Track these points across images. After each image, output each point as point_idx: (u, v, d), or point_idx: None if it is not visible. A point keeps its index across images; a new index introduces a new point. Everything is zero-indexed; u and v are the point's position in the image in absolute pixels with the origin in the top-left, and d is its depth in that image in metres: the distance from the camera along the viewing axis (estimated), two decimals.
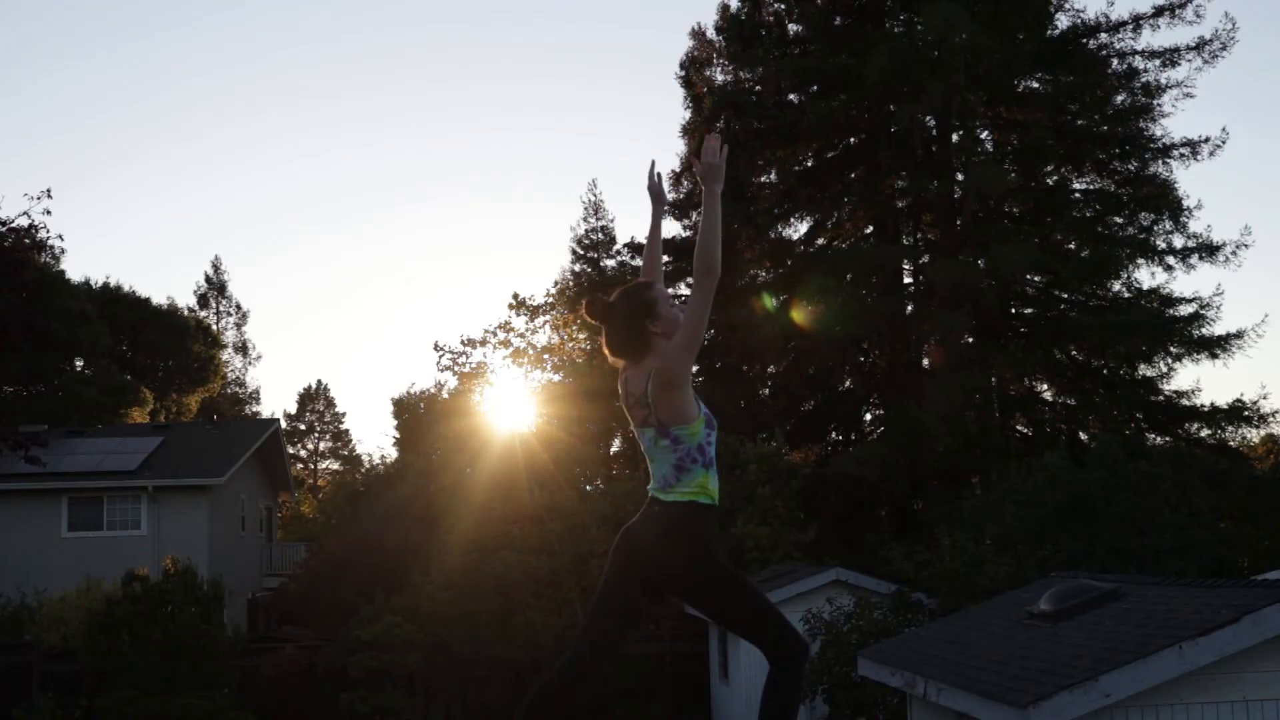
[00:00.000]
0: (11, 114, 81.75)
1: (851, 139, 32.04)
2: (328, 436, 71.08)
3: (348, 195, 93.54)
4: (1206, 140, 28.95)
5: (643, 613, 4.21)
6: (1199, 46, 28.73)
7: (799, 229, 33.78)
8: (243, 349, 64.75)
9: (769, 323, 30.05)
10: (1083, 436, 29.75)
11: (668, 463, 4.16)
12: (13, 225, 23.31)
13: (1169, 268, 28.97)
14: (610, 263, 35.33)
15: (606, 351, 4.31)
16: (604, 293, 4.41)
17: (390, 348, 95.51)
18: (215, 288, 64.25)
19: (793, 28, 32.69)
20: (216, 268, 64.80)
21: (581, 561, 24.79)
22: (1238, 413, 28.39)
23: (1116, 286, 29.98)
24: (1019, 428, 31.36)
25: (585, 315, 4.31)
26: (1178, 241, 28.89)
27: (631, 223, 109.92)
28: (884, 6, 30.81)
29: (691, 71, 35.07)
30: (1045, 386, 31.63)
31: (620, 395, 4.28)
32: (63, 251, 46.69)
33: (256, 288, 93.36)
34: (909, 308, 30.60)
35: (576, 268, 36.40)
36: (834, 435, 33.91)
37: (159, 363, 51.47)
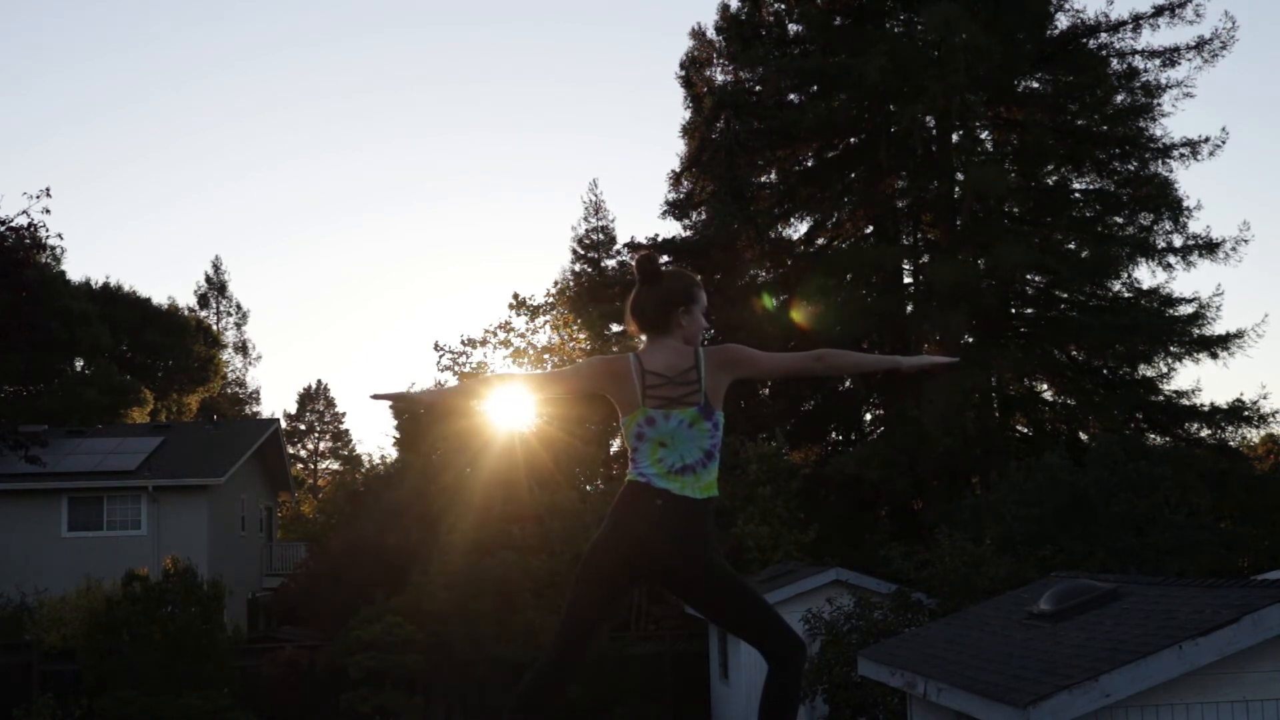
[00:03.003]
0: (11, 114, 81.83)
1: (851, 139, 32.04)
2: (328, 436, 71.02)
3: (348, 196, 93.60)
4: (1206, 140, 29.00)
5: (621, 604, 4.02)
6: (1199, 46, 28.75)
7: (799, 229, 33.85)
8: (243, 349, 64.73)
9: (769, 322, 30.04)
10: (1083, 436, 29.75)
11: (699, 447, 4.01)
12: (12, 225, 23.33)
13: (1169, 267, 29.00)
14: (610, 263, 35.29)
15: (630, 313, 4.18)
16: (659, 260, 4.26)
17: (390, 348, 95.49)
18: (215, 288, 64.23)
19: (793, 28, 32.70)
20: (217, 268, 64.77)
21: None
22: (1238, 413, 28.40)
23: (1116, 286, 30.01)
24: (1019, 428, 31.37)
25: (635, 264, 4.20)
26: (1177, 241, 28.93)
27: (632, 223, 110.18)
28: (884, 6, 30.81)
29: (691, 71, 35.05)
30: (1045, 386, 31.64)
31: (633, 372, 4.03)
32: (63, 251, 46.77)
33: (256, 288, 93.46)
34: (909, 308, 30.61)
35: (577, 268, 36.37)
36: (834, 435, 33.91)
37: (159, 363, 51.42)
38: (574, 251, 36.36)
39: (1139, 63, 29.31)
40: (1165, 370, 29.28)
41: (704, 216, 33.98)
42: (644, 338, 4.19)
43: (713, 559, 4.07)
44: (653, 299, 4.14)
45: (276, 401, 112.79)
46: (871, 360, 4.47)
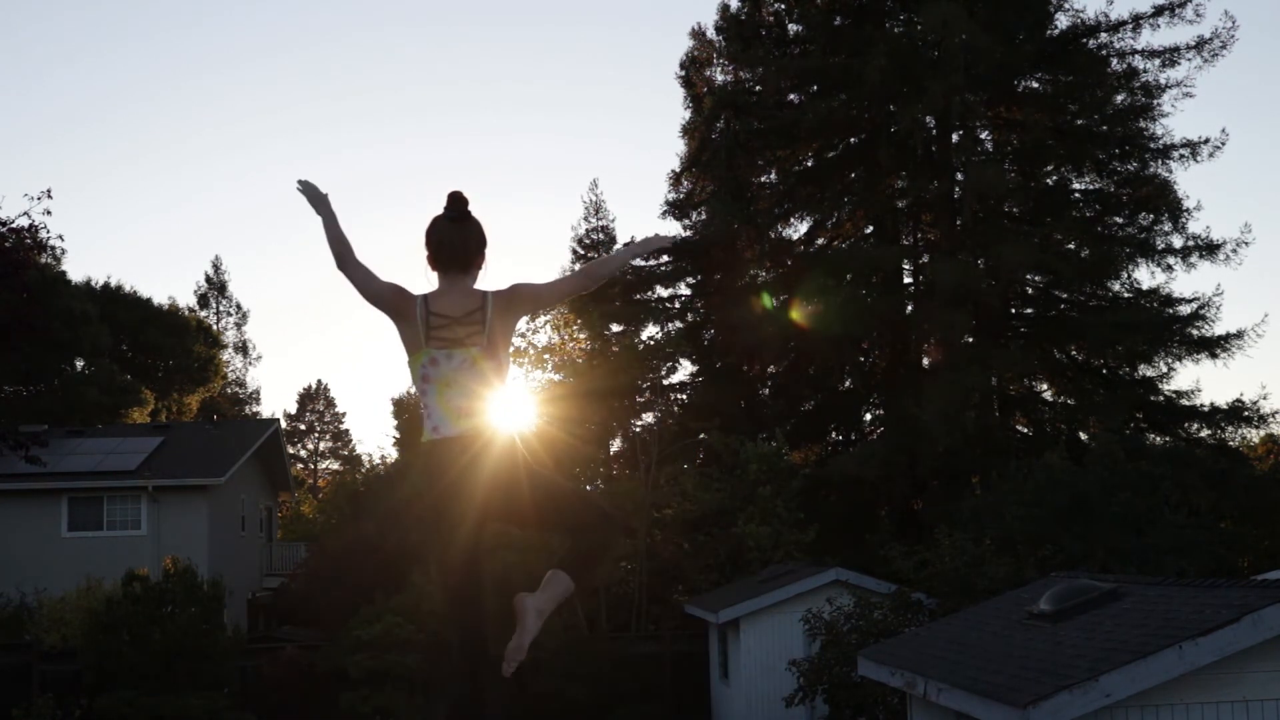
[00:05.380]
0: (11, 114, 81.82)
1: (851, 139, 32.04)
2: (328, 436, 71.06)
3: (348, 195, 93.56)
4: (1206, 140, 29.00)
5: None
6: (1199, 46, 28.75)
7: (799, 229, 33.84)
8: (243, 349, 64.72)
9: (769, 322, 30.03)
10: (1083, 436, 29.74)
11: (486, 385, 4.05)
12: (13, 225, 23.31)
13: (1168, 268, 29.01)
14: None
15: (436, 246, 4.15)
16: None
17: (390, 348, 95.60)
18: (215, 288, 64.22)
19: (793, 28, 32.71)
20: (217, 268, 64.76)
21: None
22: (1238, 413, 28.40)
23: (1116, 286, 30.01)
24: (1019, 427, 31.35)
25: (451, 199, 4.17)
26: (1177, 241, 28.94)
27: (632, 223, 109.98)
28: (884, 6, 30.80)
29: (691, 71, 35.05)
30: (1045, 386, 31.63)
31: (418, 315, 4.07)
32: (63, 252, 46.67)
33: (256, 288, 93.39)
34: (909, 308, 30.60)
35: (577, 267, 36.35)
36: (834, 435, 33.90)
37: (159, 363, 51.42)
38: (574, 251, 36.36)
39: (1139, 63, 29.33)
40: (1165, 370, 29.32)
41: (704, 216, 33.97)
42: (437, 274, 4.17)
43: (533, 466, 4.11)
44: (466, 235, 4.14)
45: (276, 401, 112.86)
46: (618, 259, 4.70)
